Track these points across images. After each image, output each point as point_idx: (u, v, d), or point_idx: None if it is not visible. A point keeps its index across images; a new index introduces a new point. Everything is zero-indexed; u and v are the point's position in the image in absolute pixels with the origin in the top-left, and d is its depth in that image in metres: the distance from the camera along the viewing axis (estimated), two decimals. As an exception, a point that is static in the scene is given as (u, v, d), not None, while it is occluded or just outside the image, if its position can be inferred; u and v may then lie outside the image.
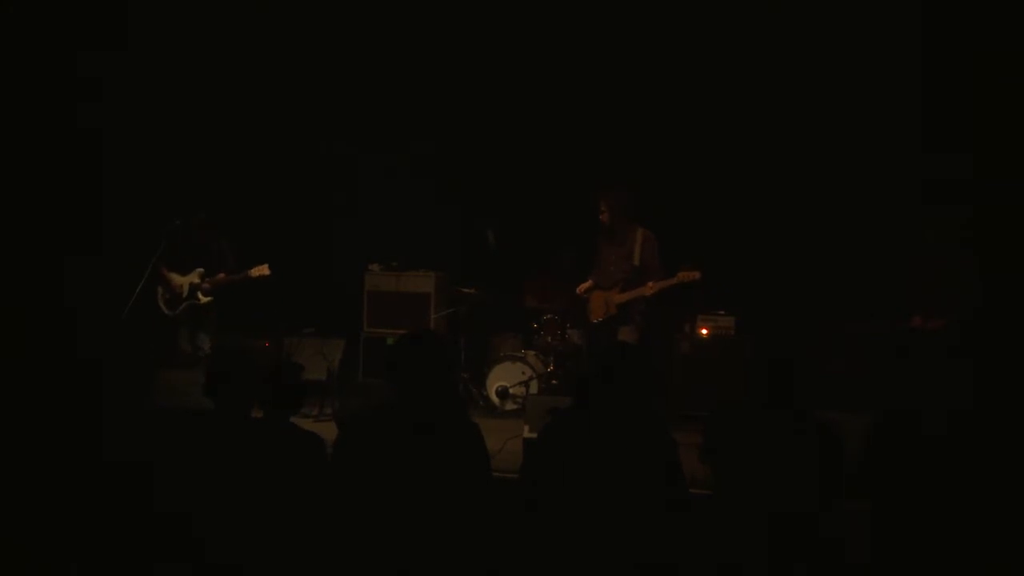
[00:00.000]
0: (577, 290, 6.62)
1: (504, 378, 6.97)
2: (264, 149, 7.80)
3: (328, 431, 4.64)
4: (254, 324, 6.99)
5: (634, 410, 3.30)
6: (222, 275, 6.71)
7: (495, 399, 6.95)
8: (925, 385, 5.14)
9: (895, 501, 3.21)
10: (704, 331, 6.85)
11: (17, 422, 3.60)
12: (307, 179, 7.93)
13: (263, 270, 6.62)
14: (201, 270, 6.74)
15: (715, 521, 3.12)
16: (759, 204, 7.07)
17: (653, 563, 3.09)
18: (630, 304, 6.32)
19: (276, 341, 6.91)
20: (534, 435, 4.65)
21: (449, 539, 3.13)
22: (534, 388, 6.83)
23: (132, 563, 3.15)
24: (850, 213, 6.72)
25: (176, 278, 6.77)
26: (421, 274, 7.60)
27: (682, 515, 3.16)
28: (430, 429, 3.23)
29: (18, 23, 6.69)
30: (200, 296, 6.73)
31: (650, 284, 6.20)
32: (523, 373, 6.93)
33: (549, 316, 7.23)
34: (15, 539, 3.20)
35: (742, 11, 6.95)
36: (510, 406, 6.86)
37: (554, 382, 6.94)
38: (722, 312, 6.87)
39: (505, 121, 7.70)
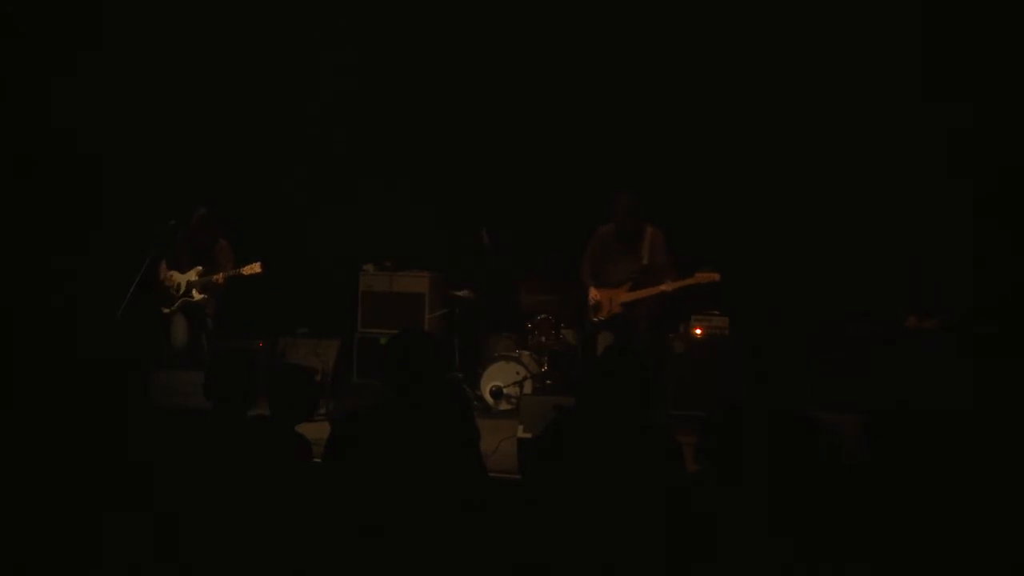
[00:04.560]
0: (593, 298, 6.44)
1: (498, 378, 6.96)
2: (260, 149, 7.79)
3: (322, 431, 4.64)
4: (248, 324, 6.97)
5: (634, 410, 3.30)
6: (218, 276, 6.67)
7: (489, 399, 6.94)
8: (923, 385, 5.15)
9: (892, 501, 3.20)
10: (698, 331, 6.86)
11: (17, 422, 3.59)
12: (303, 179, 7.91)
13: (255, 268, 6.59)
14: (200, 268, 6.73)
15: (714, 520, 3.12)
16: (755, 204, 7.09)
17: (652, 562, 3.09)
18: (637, 303, 6.30)
19: (270, 341, 6.89)
20: (528, 435, 4.65)
21: (443, 538, 3.13)
22: (528, 388, 6.82)
23: (130, 561, 3.14)
24: (847, 213, 6.74)
25: (175, 276, 6.77)
26: (415, 274, 7.61)
27: (681, 514, 3.16)
28: (425, 428, 3.23)
29: (15, 22, 6.66)
30: (195, 293, 6.72)
31: (667, 283, 6.18)
32: (517, 373, 6.92)
33: (543, 316, 7.23)
34: (15, 539, 3.19)
35: (738, 14, 6.97)
36: (504, 406, 6.85)
37: (548, 382, 6.94)
38: (716, 312, 6.88)
39: (500, 123, 7.72)
